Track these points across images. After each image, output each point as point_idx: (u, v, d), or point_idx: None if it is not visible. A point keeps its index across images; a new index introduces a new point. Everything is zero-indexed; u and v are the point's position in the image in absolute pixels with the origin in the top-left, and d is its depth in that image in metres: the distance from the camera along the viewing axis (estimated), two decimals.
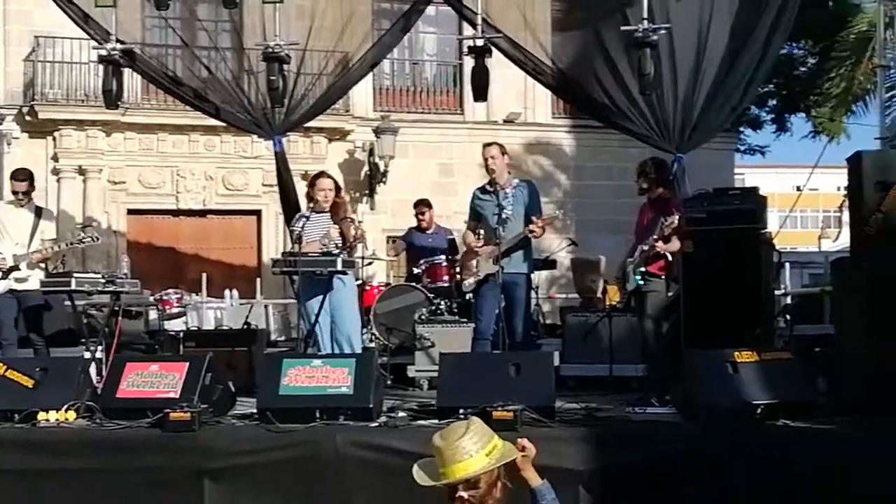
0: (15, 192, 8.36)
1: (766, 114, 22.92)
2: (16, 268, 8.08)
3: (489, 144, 8.13)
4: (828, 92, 17.08)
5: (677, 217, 7.30)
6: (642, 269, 7.46)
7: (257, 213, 17.78)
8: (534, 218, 7.83)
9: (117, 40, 9.35)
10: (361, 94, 17.31)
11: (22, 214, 8.32)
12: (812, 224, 51.20)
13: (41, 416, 6.17)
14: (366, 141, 17.90)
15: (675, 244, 7.40)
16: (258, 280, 14.84)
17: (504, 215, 7.67)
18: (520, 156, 18.33)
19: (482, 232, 8.06)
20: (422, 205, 10.82)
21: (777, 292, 9.70)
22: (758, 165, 32.11)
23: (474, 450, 3.33)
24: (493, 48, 9.10)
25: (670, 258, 7.47)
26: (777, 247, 8.17)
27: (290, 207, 10.17)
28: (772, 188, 29.60)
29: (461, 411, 5.98)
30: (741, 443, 5.74)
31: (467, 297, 8.71)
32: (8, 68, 16.77)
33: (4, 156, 16.00)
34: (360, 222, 7.90)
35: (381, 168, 17.72)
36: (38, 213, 8.45)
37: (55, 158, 16.68)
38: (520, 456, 3.51)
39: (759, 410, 5.96)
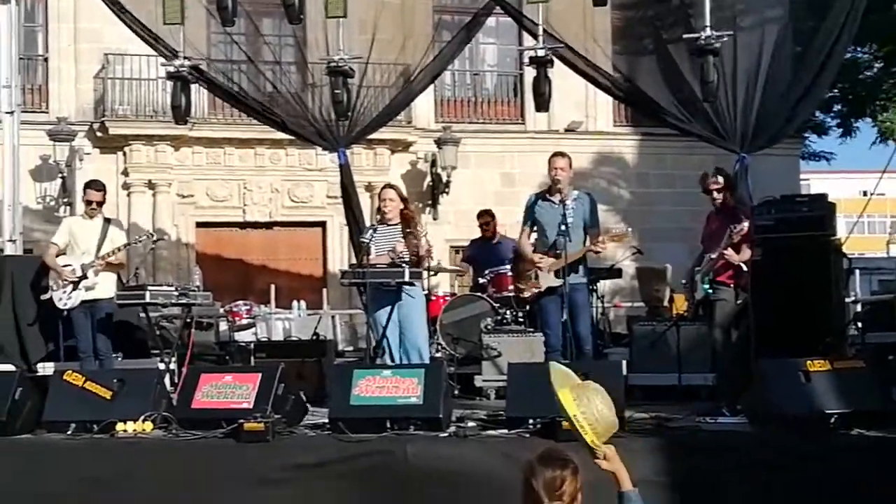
0: (89, 202, 8.57)
1: (830, 119, 22.57)
2: (84, 276, 8.29)
3: (559, 155, 8.00)
4: (894, 96, 16.79)
5: (747, 224, 7.22)
6: (710, 277, 7.41)
7: (322, 224, 17.96)
8: (602, 235, 7.77)
9: (185, 57, 9.55)
10: (423, 106, 17.42)
11: (91, 225, 8.54)
12: (880, 229, 50.18)
13: (119, 426, 6.31)
14: (428, 152, 17.99)
15: (745, 253, 7.33)
16: (324, 291, 15.00)
17: (568, 227, 7.62)
18: (582, 165, 18.30)
19: (535, 237, 8.02)
20: (485, 215, 10.85)
21: (847, 300, 9.55)
22: (823, 171, 31.61)
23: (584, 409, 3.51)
24: (555, 58, 9.11)
25: (745, 267, 7.39)
26: (846, 253, 8.07)
27: (354, 218, 10.30)
28: (838, 193, 28.97)
29: (530, 421, 6.01)
30: (815, 453, 5.68)
31: (522, 311, 8.71)
32: (79, 85, 17.17)
33: (77, 171, 16.37)
34: (426, 234, 7.94)
35: (444, 178, 17.81)
36: (107, 222, 8.66)
37: (125, 173, 17.05)
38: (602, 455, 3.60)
39: (832, 420, 5.89)
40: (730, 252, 7.38)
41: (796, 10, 9.94)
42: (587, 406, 3.58)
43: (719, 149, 9.73)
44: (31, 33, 16.80)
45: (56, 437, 6.36)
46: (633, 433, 5.93)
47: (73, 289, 8.30)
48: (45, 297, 8.49)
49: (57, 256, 8.45)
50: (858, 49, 20.15)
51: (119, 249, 8.45)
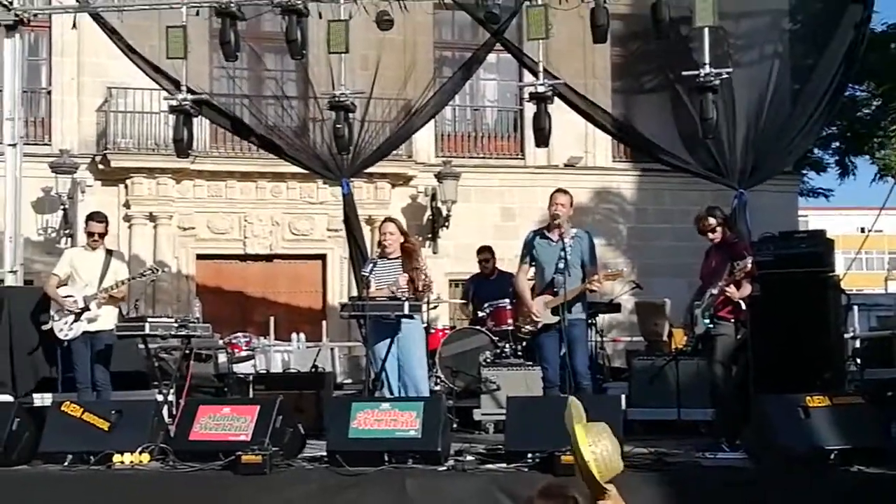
0: (91, 234, 8.59)
1: (829, 156, 22.69)
2: (86, 308, 8.30)
3: (562, 192, 7.97)
4: (892, 135, 16.90)
5: (750, 260, 7.22)
6: (710, 312, 7.41)
7: (322, 257, 17.98)
8: (598, 273, 7.76)
9: (188, 90, 9.62)
10: (424, 140, 17.50)
11: (93, 257, 8.54)
12: (878, 266, 50.26)
13: (116, 458, 6.30)
14: (428, 186, 18.05)
15: (746, 289, 7.33)
16: (324, 323, 14.99)
17: (567, 264, 7.61)
18: (581, 200, 18.35)
19: (532, 273, 8.01)
20: (485, 251, 10.85)
21: (846, 336, 9.56)
22: (821, 207, 31.70)
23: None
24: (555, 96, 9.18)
25: (742, 304, 7.40)
26: (844, 289, 8.09)
27: (356, 249, 10.33)
28: (836, 230, 29.10)
29: (529, 455, 6.00)
30: (815, 489, 5.67)
31: (520, 344, 8.70)
32: (82, 118, 17.25)
33: (78, 203, 16.42)
34: (426, 267, 7.96)
35: (444, 212, 17.85)
36: (109, 254, 8.67)
37: (127, 205, 17.08)
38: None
39: (832, 456, 5.88)
40: (731, 289, 7.39)
41: (795, 48, 10.04)
42: (597, 445, 3.61)
43: (717, 185, 9.79)
44: (34, 67, 16.91)
45: (53, 468, 6.35)
46: (633, 468, 5.90)
47: (75, 320, 8.31)
48: (45, 327, 8.48)
49: (58, 287, 8.46)
50: (856, 87, 20.29)
51: (122, 283, 8.47)
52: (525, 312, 7.95)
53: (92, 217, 8.76)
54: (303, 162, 10.92)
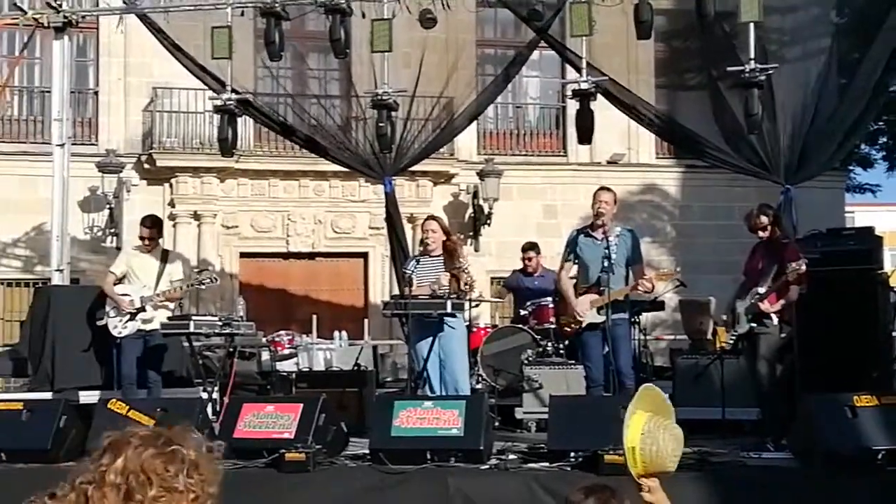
0: (141, 238, 8.72)
1: (876, 151, 22.36)
2: (142, 309, 8.41)
3: (605, 189, 7.95)
4: None
5: (804, 263, 7.00)
6: (755, 311, 7.29)
7: (364, 255, 18.03)
8: (650, 273, 7.70)
9: (232, 90, 9.70)
10: (465, 138, 17.44)
11: (149, 259, 8.66)
12: None
13: None
14: (470, 184, 18.03)
15: (793, 293, 7.15)
16: (366, 321, 15.03)
17: (612, 262, 7.57)
18: (624, 197, 18.24)
19: (575, 271, 7.96)
20: (530, 249, 10.78)
21: (895, 334, 9.42)
22: (869, 203, 31.25)
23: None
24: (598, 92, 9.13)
25: (771, 312, 7.26)
26: (893, 287, 7.98)
27: (399, 246, 10.36)
28: (884, 226, 28.69)
29: (572, 454, 5.98)
30: (863, 490, 5.59)
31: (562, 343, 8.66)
32: (128, 118, 17.45)
33: (124, 202, 16.63)
34: (468, 266, 7.94)
35: (486, 210, 17.82)
36: (165, 256, 8.78)
37: (172, 204, 17.25)
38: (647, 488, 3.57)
39: (880, 456, 5.80)
40: (765, 304, 7.17)
41: (841, 43, 9.91)
42: (651, 440, 3.53)
43: (762, 181, 9.69)
44: (82, 67, 17.11)
45: None
46: (677, 467, 5.86)
47: (130, 318, 8.43)
48: (100, 322, 8.61)
49: (114, 285, 8.58)
50: None
51: (178, 288, 8.56)
52: (569, 311, 7.91)
53: (143, 222, 8.88)
54: (345, 161, 10.96)
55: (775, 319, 7.32)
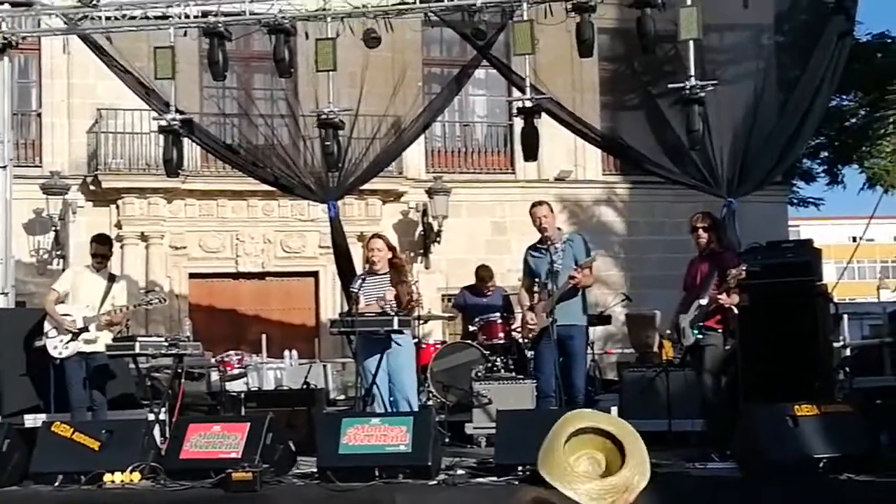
0: (95, 255, 8.61)
1: (818, 165, 22.78)
2: (85, 329, 8.29)
3: (538, 204, 8.19)
4: (880, 144, 16.98)
5: (744, 267, 7.17)
6: (700, 323, 7.42)
7: (314, 274, 17.99)
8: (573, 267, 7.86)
9: (176, 110, 9.66)
10: (414, 157, 17.55)
11: (95, 279, 8.54)
12: (870, 275, 50.36)
13: (107, 477, 6.32)
14: (419, 202, 18.09)
15: (734, 298, 7.33)
16: (316, 340, 15.00)
17: (555, 269, 7.72)
18: (572, 213, 18.41)
19: (536, 290, 8.10)
20: (483, 272, 10.76)
21: (836, 344, 9.60)
22: (812, 217, 31.81)
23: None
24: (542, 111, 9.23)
25: (736, 311, 7.40)
26: (835, 298, 8.13)
27: (344, 270, 10.34)
28: (827, 239, 29.29)
29: (519, 468, 6.02)
30: (805, 498, 5.69)
31: (528, 354, 8.72)
32: (73, 140, 17.27)
33: (70, 224, 16.43)
34: (416, 282, 7.99)
35: (435, 228, 17.88)
36: (111, 279, 8.67)
37: (118, 226, 17.08)
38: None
39: (821, 465, 5.91)
40: (724, 297, 7.35)
41: (781, 59, 10.11)
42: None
43: (708, 196, 9.84)
44: (24, 89, 16.93)
45: (44, 488, 6.36)
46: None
47: (72, 339, 8.29)
48: (38, 343, 8.45)
49: (56, 304, 8.44)
50: (844, 97, 20.42)
51: (122, 309, 8.45)
52: (523, 322, 8.10)
53: (95, 239, 8.79)
54: (289, 185, 10.89)
55: (720, 331, 7.46)
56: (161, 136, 10.11)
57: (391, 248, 7.98)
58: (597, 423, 3.42)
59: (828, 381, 7.49)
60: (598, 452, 3.39)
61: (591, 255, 8.03)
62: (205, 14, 9.59)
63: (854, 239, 26.62)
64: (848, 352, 10.56)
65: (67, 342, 8.27)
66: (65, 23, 10.35)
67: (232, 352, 10.87)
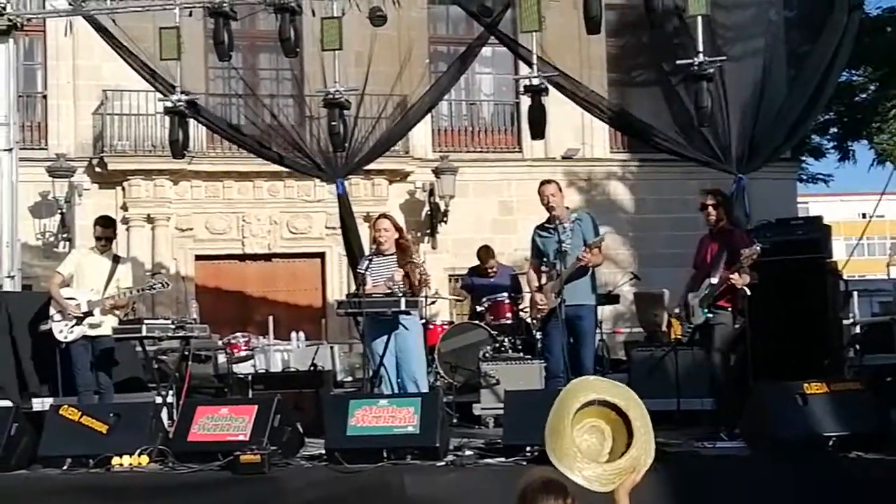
0: (99, 238, 8.57)
1: (827, 142, 22.65)
2: (90, 313, 8.27)
3: (546, 182, 8.12)
4: (890, 121, 16.86)
5: (758, 247, 7.02)
6: (710, 301, 7.35)
7: (321, 255, 17.97)
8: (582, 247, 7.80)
9: (182, 91, 9.60)
10: (420, 136, 17.49)
11: (100, 261, 8.51)
12: (880, 251, 50.18)
13: (115, 460, 6.31)
14: (426, 181, 18.04)
15: (745, 277, 7.20)
16: (323, 321, 14.99)
17: (563, 248, 7.67)
18: (580, 191, 18.35)
19: (545, 269, 8.05)
20: (485, 253, 10.73)
21: (845, 322, 9.54)
22: (822, 194, 31.69)
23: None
24: (550, 86, 9.15)
25: (747, 291, 7.31)
26: (845, 275, 8.08)
27: (353, 249, 10.31)
28: (837, 216, 29.13)
29: (527, 449, 6.00)
30: (813, 475, 5.66)
31: (536, 334, 8.70)
32: (78, 122, 17.24)
33: (76, 207, 16.42)
34: (423, 262, 7.95)
35: (442, 208, 17.83)
36: (116, 260, 8.64)
37: (124, 208, 17.08)
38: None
39: (830, 443, 5.88)
40: (736, 277, 7.22)
41: (790, 35, 10.02)
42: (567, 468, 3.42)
43: (717, 173, 9.78)
44: (30, 71, 16.91)
45: (52, 472, 6.36)
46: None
47: (77, 323, 8.26)
48: (44, 327, 8.42)
49: (61, 287, 8.41)
50: (853, 72, 20.26)
51: (126, 293, 8.41)
52: (533, 303, 8.05)
53: (97, 221, 8.75)
54: (296, 164, 10.88)
55: (729, 309, 7.39)
56: (167, 118, 10.06)
57: (398, 228, 7.93)
58: (602, 394, 3.44)
59: (837, 359, 7.47)
60: (602, 422, 3.42)
61: (599, 235, 7.96)
62: None
63: (864, 215, 26.50)
64: (858, 329, 10.49)
65: (73, 326, 8.24)
66: (70, 4, 10.29)
67: (239, 334, 10.89)
